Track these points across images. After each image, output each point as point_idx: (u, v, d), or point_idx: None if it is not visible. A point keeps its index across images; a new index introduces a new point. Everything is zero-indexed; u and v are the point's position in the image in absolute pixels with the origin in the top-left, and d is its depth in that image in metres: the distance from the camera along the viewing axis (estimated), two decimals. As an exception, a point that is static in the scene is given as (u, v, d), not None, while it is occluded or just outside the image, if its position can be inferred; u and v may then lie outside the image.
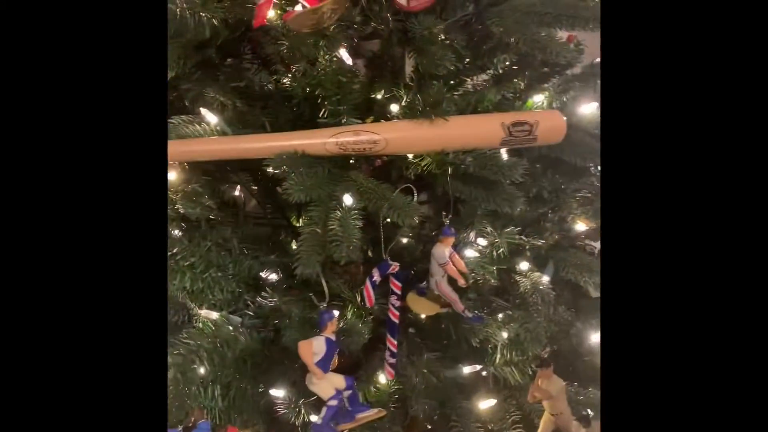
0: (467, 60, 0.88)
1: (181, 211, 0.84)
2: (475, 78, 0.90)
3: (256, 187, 1.07)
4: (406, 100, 0.86)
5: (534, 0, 0.79)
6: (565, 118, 0.81)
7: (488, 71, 0.92)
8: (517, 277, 0.85)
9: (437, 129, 0.77)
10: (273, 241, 1.00)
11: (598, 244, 0.98)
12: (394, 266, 0.77)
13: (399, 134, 0.77)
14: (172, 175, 0.86)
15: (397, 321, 0.80)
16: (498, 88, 0.87)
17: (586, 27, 0.78)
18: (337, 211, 0.72)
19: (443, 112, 0.76)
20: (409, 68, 1.06)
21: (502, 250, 0.82)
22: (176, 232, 0.90)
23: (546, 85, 0.91)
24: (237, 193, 1.07)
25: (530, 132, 0.77)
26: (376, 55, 0.91)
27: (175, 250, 0.87)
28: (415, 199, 0.74)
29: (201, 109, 0.79)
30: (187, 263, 0.85)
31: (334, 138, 0.76)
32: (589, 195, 0.94)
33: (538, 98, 0.91)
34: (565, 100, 0.90)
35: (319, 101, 0.81)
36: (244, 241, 0.93)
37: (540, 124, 0.77)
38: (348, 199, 0.72)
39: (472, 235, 0.85)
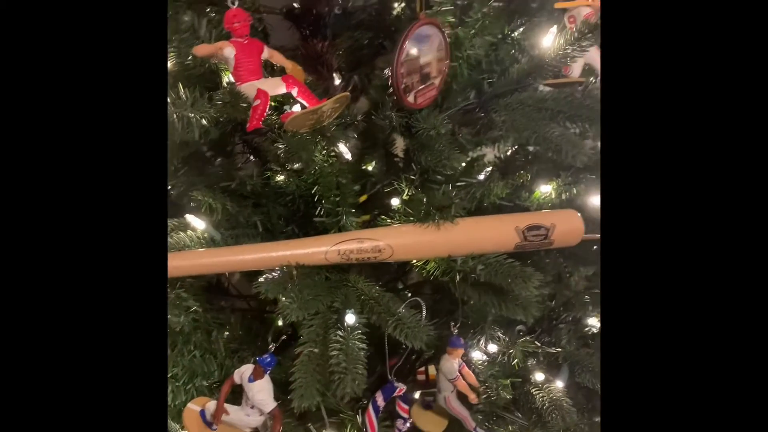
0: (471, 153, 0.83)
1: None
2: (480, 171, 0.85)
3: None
4: (407, 194, 0.81)
5: (544, 95, 0.74)
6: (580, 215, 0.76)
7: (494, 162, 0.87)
8: (533, 390, 0.78)
9: (446, 234, 0.71)
10: (262, 336, 0.92)
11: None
12: (401, 389, 0.70)
13: (405, 240, 0.71)
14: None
15: (404, 448, 0.72)
16: (505, 181, 0.82)
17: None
18: (338, 332, 0.65)
19: (451, 217, 0.71)
20: (400, 142, 1.01)
21: (516, 360, 0.75)
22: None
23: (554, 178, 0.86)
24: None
25: (546, 236, 0.72)
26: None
27: (154, 363, 0.78)
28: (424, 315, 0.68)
29: (186, 216, 0.72)
30: (169, 375, 0.77)
31: (336, 246, 0.69)
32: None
33: (546, 189, 0.86)
34: (575, 192, 0.85)
35: (315, 198, 0.75)
36: (231, 340, 0.85)
37: (557, 228, 0.72)
38: (351, 318, 0.65)
39: (482, 341, 0.78)
